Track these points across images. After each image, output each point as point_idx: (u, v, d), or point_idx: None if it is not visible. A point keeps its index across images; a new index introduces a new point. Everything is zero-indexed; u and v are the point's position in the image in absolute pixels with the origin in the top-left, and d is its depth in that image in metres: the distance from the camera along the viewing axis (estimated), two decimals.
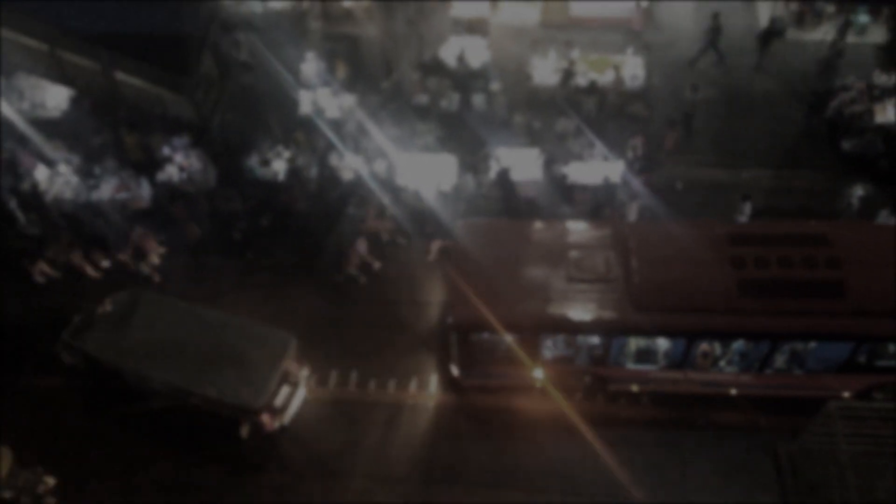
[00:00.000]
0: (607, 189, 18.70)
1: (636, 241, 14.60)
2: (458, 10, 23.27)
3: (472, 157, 19.53)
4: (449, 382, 16.08)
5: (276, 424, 15.21)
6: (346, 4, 23.76)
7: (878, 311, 13.49)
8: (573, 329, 14.31)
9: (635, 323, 13.95)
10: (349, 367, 16.59)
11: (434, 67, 21.61)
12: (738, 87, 21.55)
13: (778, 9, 23.21)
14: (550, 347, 14.73)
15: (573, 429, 15.32)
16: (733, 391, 15.32)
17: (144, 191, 19.35)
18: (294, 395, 15.56)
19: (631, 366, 14.97)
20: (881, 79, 20.49)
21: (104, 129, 20.68)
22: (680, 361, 14.62)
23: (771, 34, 21.95)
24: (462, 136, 20.43)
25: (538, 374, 15.20)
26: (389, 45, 21.77)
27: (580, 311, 14.08)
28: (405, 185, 18.99)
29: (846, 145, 19.74)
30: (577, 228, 15.68)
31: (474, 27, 23.10)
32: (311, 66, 21.65)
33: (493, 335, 14.39)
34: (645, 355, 14.83)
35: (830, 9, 23.13)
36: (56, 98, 21.52)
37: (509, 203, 18.86)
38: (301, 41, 22.65)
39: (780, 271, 13.81)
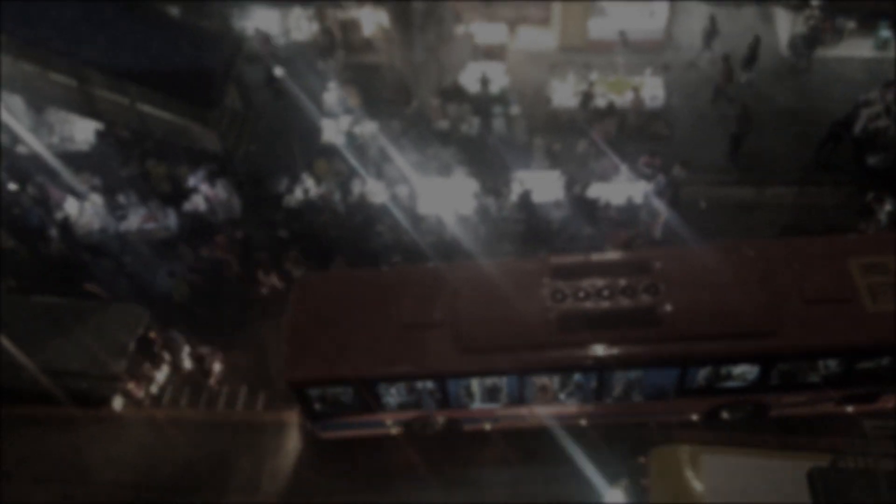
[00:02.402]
0: (630, 209, 18.66)
1: (461, 283, 14.46)
2: (477, 37, 23.54)
3: (494, 180, 19.61)
4: (308, 434, 15.83)
5: (144, 392, 16.47)
6: (367, 34, 24.15)
7: (693, 336, 13.35)
8: (404, 377, 14.05)
9: (462, 366, 13.76)
10: None
11: (454, 93, 21.84)
12: (759, 106, 21.45)
13: (798, 26, 23.18)
14: (394, 395, 14.44)
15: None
16: (582, 422, 15.17)
17: (171, 221, 19.67)
18: (160, 366, 16.84)
19: (477, 405, 14.71)
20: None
21: (132, 161, 21.10)
22: (519, 398, 14.45)
23: (815, 40, 22.05)
24: (483, 159, 20.56)
25: (389, 422, 15.05)
26: (409, 73, 22.05)
27: (409, 359, 13.85)
28: (427, 210, 19.09)
29: (871, 160, 19.54)
30: (411, 275, 15.70)
31: (493, 53, 23.35)
32: (332, 94, 22.00)
33: (333, 388, 14.16)
34: (489, 394, 14.53)
35: (851, 25, 23.05)
36: (84, 132, 22.07)
37: (531, 225, 18.87)
38: (323, 71, 23.04)
39: (599, 302, 13.72)
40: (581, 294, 13.86)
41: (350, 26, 24.12)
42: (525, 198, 18.75)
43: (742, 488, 12.91)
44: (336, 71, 23.24)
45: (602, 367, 13.81)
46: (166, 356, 17.11)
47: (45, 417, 16.53)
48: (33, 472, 15.81)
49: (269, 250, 18.69)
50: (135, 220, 19.63)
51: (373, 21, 23.70)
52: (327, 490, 15.24)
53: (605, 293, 13.81)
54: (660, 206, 18.42)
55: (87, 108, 21.01)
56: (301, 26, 24.55)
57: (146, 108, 20.61)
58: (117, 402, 16.52)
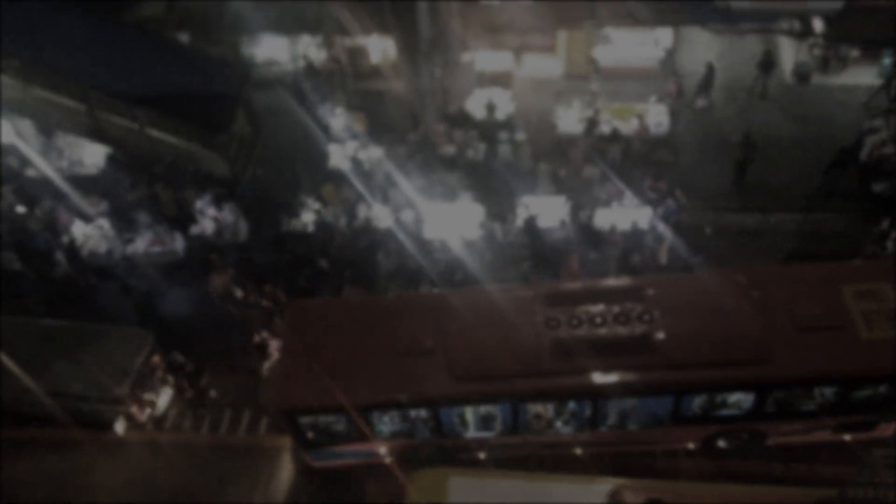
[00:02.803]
0: (635, 235, 18.68)
1: (453, 311, 14.41)
2: (483, 64, 23.77)
3: (499, 206, 19.67)
4: (301, 464, 15.69)
5: (146, 416, 16.44)
6: (374, 61, 24.43)
7: (686, 363, 13.27)
8: (395, 405, 13.87)
9: (454, 394, 13.65)
10: None
11: (460, 119, 22.02)
12: (763, 133, 21.52)
13: (802, 54, 23.35)
14: (386, 423, 14.32)
15: None
16: (577, 450, 15.03)
17: (178, 244, 19.76)
18: (162, 389, 16.87)
19: (470, 434, 14.60)
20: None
21: (139, 184, 21.26)
22: (513, 426, 14.33)
23: (769, 64, 22.21)
24: (488, 185, 20.65)
25: (382, 450, 14.91)
26: (416, 99, 22.25)
27: (400, 386, 13.71)
28: (432, 235, 19.14)
29: (877, 188, 19.53)
30: (404, 302, 15.69)
31: (498, 80, 23.56)
32: (339, 120, 22.19)
33: (324, 416, 14.04)
34: (482, 422, 14.39)
35: (855, 53, 23.21)
36: (93, 155, 22.27)
37: (536, 251, 18.88)
38: (331, 97, 23.26)
39: (592, 329, 13.63)
40: (574, 321, 13.79)
41: (357, 53, 24.41)
42: (530, 223, 18.79)
43: None
44: (344, 97, 23.49)
45: (596, 395, 13.71)
46: (169, 380, 17.07)
47: (48, 440, 16.50)
48: (35, 495, 15.72)
49: (275, 275, 18.73)
50: (141, 243, 19.74)
51: (380, 48, 23.97)
52: None
53: (599, 320, 13.74)
54: (665, 231, 18.42)
55: (97, 133, 21.23)
56: (310, 53, 24.84)
57: (155, 133, 20.81)
58: (119, 425, 16.50)
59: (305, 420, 14.13)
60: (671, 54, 23.82)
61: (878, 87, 21.94)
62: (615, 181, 19.62)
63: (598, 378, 13.46)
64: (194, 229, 19.94)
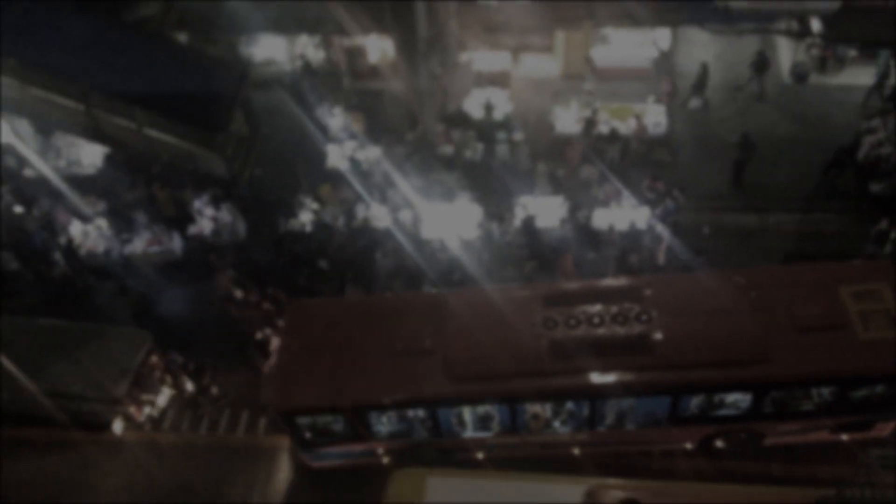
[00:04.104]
0: (633, 235, 18.69)
1: (451, 311, 14.45)
2: (481, 64, 23.77)
3: (497, 206, 19.68)
4: (300, 464, 15.69)
5: (145, 416, 16.52)
6: (372, 61, 24.43)
7: (684, 363, 13.29)
8: (393, 405, 13.89)
9: (451, 394, 13.64)
10: None
11: (458, 119, 22.02)
12: (762, 133, 21.56)
13: (800, 54, 23.38)
14: (384, 423, 14.32)
15: None
16: (575, 451, 15.04)
17: (176, 244, 19.75)
18: (160, 389, 16.88)
19: (468, 434, 14.61)
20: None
21: (137, 184, 21.26)
22: (511, 427, 14.36)
23: (763, 64, 22.23)
24: (486, 185, 20.65)
25: (380, 450, 14.93)
26: (414, 99, 22.26)
27: (398, 387, 13.74)
28: (431, 235, 19.15)
29: (875, 188, 19.54)
30: (402, 302, 15.70)
31: (496, 80, 23.57)
32: (338, 120, 22.19)
33: (322, 416, 14.04)
34: (480, 423, 14.40)
35: (853, 54, 23.24)
36: (91, 155, 22.27)
37: (534, 251, 18.89)
38: (329, 97, 23.26)
39: (590, 330, 13.67)
40: (572, 322, 13.81)
41: (356, 53, 24.41)
42: (528, 223, 18.80)
43: None
44: (343, 97, 23.49)
45: (593, 395, 13.72)
46: (168, 379, 17.07)
47: (46, 440, 16.51)
48: (33, 495, 15.73)
49: (274, 275, 18.74)
50: (139, 243, 19.73)
51: (378, 48, 23.97)
52: None
53: (597, 321, 13.77)
54: (663, 231, 18.44)
55: (94, 133, 21.20)
56: (308, 53, 24.84)
57: (153, 133, 20.77)
58: (118, 426, 16.49)
59: (303, 420, 14.11)
60: (667, 55, 23.83)
61: (871, 87, 21.97)
62: (613, 181, 19.63)
63: (596, 378, 13.45)
64: (192, 229, 19.93)
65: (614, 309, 13.89)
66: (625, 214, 18.91)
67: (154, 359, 16.77)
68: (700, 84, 22.43)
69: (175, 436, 16.65)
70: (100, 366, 16.06)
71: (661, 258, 18.35)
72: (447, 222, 19.19)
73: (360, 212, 19.82)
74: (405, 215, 19.56)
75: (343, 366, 14.02)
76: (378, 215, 19.61)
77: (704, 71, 22.30)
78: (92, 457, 16.32)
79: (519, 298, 14.61)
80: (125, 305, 18.67)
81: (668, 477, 14.90)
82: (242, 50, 24.46)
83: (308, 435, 14.43)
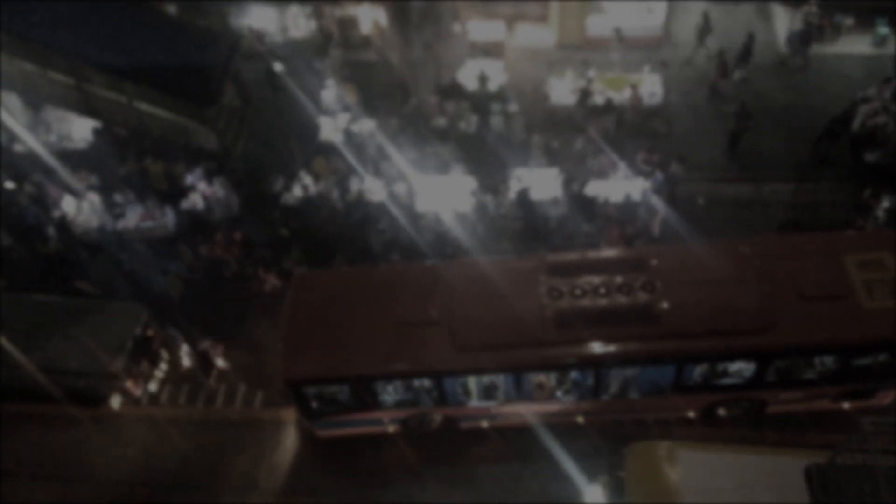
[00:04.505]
0: (628, 206, 18.66)
1: (458, 281, 14.53)
2: (475, 34, 23.52)
3: (492, 178, 19.60)
4: (306, 434, 15.83)
5: (141, 390, 16.49)
6: (365, 32, 24.14)
7: (689, 332, 13.38)
8: (400, 375, 14.02)
9: (458, 364, 13.74)
10: None
11: (452, 90, 21.82)
12: (757, 102, 21.48)
13: (796, 23, 23.19)
14: (391, 392, 14.43)
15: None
16: (580, 419, 15.19)
17: (169, 219, 19.66)
18: (157, 364, 16.91)
19: (474, 403, 14.73)
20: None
21: (129, 159, 21.08)
22: (516, 395, 14.47)
23: (809, 37, 22.07)
24: (481, 157, 20.54)
25: (386, 419, 15.08)
26: (407, 70, 22.05)
27: (405, 357, 13.82)
28: (425, 208, 19.08)
29: (869, 157, 19.50)
30: (409, 272, 15.75)
31: (491, 50, 23.33)
32: (330, 92, 21.98)
33: (329, 386, 14.15)
34: (485, 392, 14.51)
35: (849, 22, 23.07)
36: (82, 130, 22.05)
37: (529, 223, 18.86)
38: (321, 68, 23.02)
39: (596, 300, 13.74)
40: (578, 292, 13.88)
41: (347, 23, 24.11)
42: (523, 195, 18.74)
43: (719, 485, 12.85)
44: (334, 68, 23.22)
45: (599, 365, 13.82)
46: (164, 354, 17.08)
47: (44, 416, 16.53)
48: (32, 470, 15.81)
49: (268, 248, 18.70)
50: (132, 218, 19.62)
51: (370, 18, 23.67)
52: (325, 488, 15.23)
53: (602, 291, 13.83)
54: (658, 203, 18.41)
55: (85, 107, 20.99)
56: (299, 24, 24.53)
57: (144, 106, 20.59)
58: (115, 401, 16.53)
59: (310, 390, 14.24)
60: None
61: None
62: (608, 152, 19.54)
63: (601, 348, 13.54)
64: (185, 204, 19.82)
65: (620, 279, 13.93)
66: (619, 186, 18.84)
67: (150, 333, 16.75)
68: (745, 54, 22.00)
69: (173, 410, 16.70)
70: (95, 341, 16.03)
71: (655, 229, 18.33)
72: (441, 195, 19.11)
73: (354, 185, 19.70)
74: (399, 188, 19.45)
75: (349, 336, 14.10)
76: (372, 188, 19.50)
77: (750, 39, 21.91)
78: (89, 432, 16.37)
79: (524, 269, 14.65)
80: (121, 280, 18.61)
81: None
82: (233, 21, 24.13)
83: (315, 405, 14.55)
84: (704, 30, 22.47)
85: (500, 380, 14.28)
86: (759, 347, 13.50)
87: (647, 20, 23.34)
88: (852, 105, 20.24)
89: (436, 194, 19.11)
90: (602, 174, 19.32)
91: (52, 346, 16.00)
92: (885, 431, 12.64)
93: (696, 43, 22.67)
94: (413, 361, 13.86)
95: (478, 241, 18.30)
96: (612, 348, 13.54)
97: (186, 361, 17.13)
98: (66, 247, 19.12)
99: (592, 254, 15.52)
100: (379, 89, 22.85)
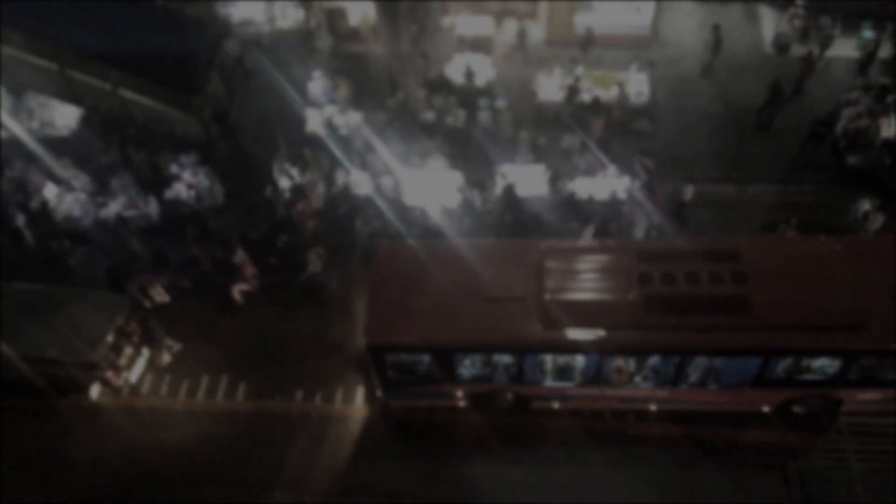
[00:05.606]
0: (613, 204, 18.73)
1: (546, 260, 14.63)
2: (463, 29, 23.46)
3: (478, 173, 19.59)
4: (378, 403, 16.04)
5: (122, 381, 16.44)
6: (353, 23, 24.01)
7: (781, 326, 13.45)
8: (484, 348, 14.23)
9: (544, 341, 13.92)
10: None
11: (440, 85, 21.76)
12: (742, 104, 21.60)
13: (782, 25, 23.33)
14: (468, 366, 14.62)
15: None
16: (652, 406, 15.35)
17: (152, 208, 19.49)
18: (138, 355, 16.84)
19: (549, 383, 14.88)
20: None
21: (113, 147, 20.84)
22: (594, 378, 14.59)
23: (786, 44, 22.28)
24: (468, 152, 20.52)
25: (460, 393, 15.23)
26: (395, 64, 21.95)
27: (491, 330, 14.02)
28: (412, 202, 19.05)
29: (852, 160, 19.72)
30: (492, 248, 15.91)
31: (479, 45, 23.29)
32: (317, 84, 21.84)
33: (409, 355, 14.36)
34: (562, 372, 14.65)
35: (836, 31, 23.13)
36: (65, 117, 21.73)
37: (515, 218, 18.88)
38: (308, 60, 22.87)
39: (686, 287, 13.80)
40: (668, 278, 13.91)
41: (336, 15, 23.96)
42: (509, 191, 18.75)
43: None
44: (322, 60, 23.08)
45: (684, 353, 13.86)
46: (146, 345, 16.98)
47: (24, 405, 16.40)
48: (12, 459, 15.70)
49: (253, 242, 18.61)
50: (115, 207, 19.42)
51: (359, 10, 23.54)
52: (308, 484, 15.26)
53: (692, 279, 13.84)
54: (642, 200, 18.48)
55: (68, 93, 20.76)
56: (286, 14, 24.34)
57: (128, 94, 20.41)
58: (95, 391, 16.41)
59: (391, 358, 14.37)
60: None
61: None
62: (594, 151, 19.59)
63: (689, 336, 13.59)
64: (168, 193, 19.65)
65: (710, 268, 13.94)
66: (605, 184, 18.90)
67: (131, 324, 16.64)
68: (717, 45, 22.19)
69: (155, 400, 16.63)
70: (76, 331, 15.91)
71: (639, 228, 18.39)
72: (428, 189, 19.08)
73: (340, 178, 19.62)
74: (386, 182, 19.40)
75: (433, 307, 14.28)
76: (358, 182, 19.44)
77: (717, 29, 22.10)
78: (71, 421, 16.28)
79: (612, 252, 14.73)
80: (102, 270, 18.45)
81: None
82: (220, 10, 23.90)
83: (392, 374, 14.68)
84: (716, 43, 22.39)
85: (580, 361, 14.34)
86: (851, 345, 13.48)
87: (634, 19, 23.38)
88: (837, 107, 20.43)
89: (422, 189, 19.07)
90: (590, 172, 19.36)
91: (31, 335, 15.83)
92: (861, 432, 12.87)
93: (711, 56, 22.60)
94: (500, 335, 13.98)
95: (464, 235, 18.29)
96: (699, 337, 13.58)
97: (167, 354, 17.05)
98: (45, 235, 18.88)
99: (684, 241, 15.54)
100: (368, 82, 22.72)
